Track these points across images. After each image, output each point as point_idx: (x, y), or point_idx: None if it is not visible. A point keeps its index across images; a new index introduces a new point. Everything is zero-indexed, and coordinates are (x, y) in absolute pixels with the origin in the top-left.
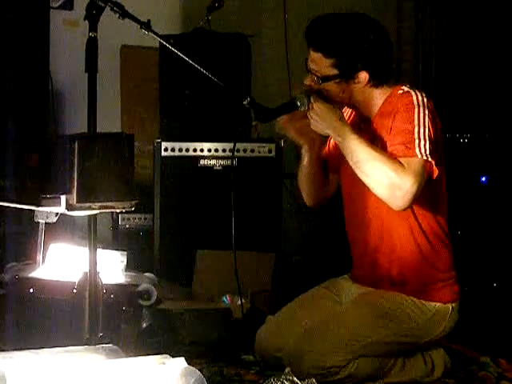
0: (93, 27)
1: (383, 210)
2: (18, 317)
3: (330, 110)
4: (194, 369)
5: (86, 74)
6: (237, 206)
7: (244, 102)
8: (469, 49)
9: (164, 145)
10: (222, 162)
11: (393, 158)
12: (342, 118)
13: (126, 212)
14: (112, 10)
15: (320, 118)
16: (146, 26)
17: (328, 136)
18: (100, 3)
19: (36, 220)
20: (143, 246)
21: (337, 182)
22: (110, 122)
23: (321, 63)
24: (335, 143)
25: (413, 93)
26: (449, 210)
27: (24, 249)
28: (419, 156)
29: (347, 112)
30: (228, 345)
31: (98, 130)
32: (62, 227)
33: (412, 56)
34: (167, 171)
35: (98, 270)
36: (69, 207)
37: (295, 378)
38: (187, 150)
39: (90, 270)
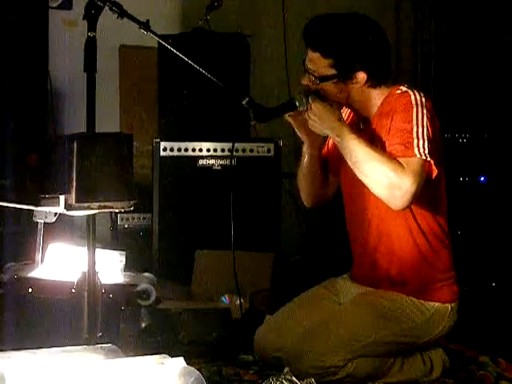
0: (92, 27)
1: (382, 210)
2: (16, 317)
3: (328, 110)
4: (192, 368)
5: (85, 74)
6: (236, 205)
7: (243, 102)
8: (468, 49)
9: (163, 144)
10: (220, 162)
11: (392, 157)
12: (340, 118)
13: (125, 212)
14: (111, 9)
15: (318, 119)
16: (145, 25)
17: (327, 136)
18: (99, 3)
19: (35, 220)
20: (142, 246)
21: (336, 184)
22: (108, 121)
23: (319, 63)
24: (334, 143)
25: (411, 93)
26: (448, 210)
27: (23, 249)
28: (418, 156)
29: (346, 112)
30: (227, 344)
31: (97, 130)
32: (60, 227)
33: (411, 56)
34: (166, 171)
35: (96, 270)
36: (68, 207)
37: (294, 378)
38: (186, 150)
39: (88, 270)
